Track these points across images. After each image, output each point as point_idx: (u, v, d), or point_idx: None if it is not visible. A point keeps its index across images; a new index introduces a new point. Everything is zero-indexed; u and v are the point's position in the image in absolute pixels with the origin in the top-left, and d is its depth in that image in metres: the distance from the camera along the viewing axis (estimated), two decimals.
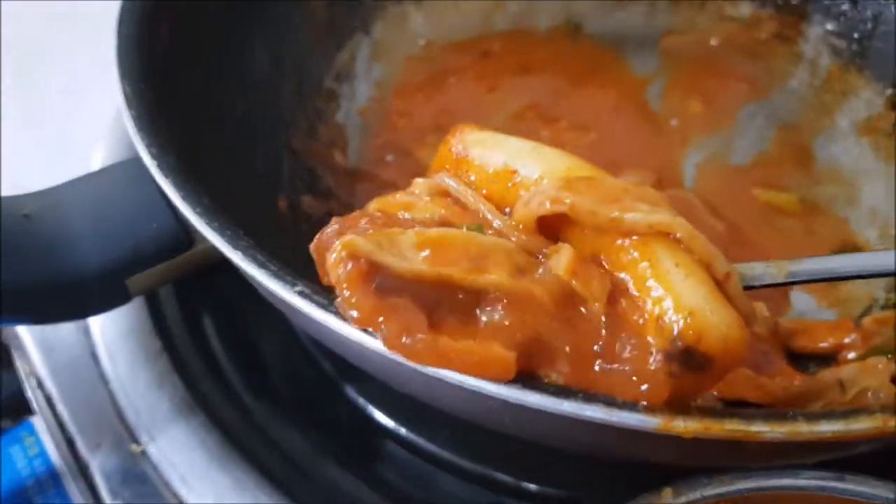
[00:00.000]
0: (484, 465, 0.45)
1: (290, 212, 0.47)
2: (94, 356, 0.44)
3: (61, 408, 0.43)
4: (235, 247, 0.30)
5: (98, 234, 0.35)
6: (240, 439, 0.42)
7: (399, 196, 0.36)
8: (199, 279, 0.50)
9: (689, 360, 0.27)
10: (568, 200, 0.31)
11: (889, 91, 0.57)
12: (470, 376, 0.26)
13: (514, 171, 0.34)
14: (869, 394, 0.30)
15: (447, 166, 0.37)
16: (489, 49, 0.63)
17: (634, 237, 0.30)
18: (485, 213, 0.33)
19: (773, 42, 0.62)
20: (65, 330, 0.46)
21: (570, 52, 0.64)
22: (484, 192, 0.35)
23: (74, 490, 0.40)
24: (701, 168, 0.55)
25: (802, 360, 0.43)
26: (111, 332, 0.45)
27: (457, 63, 0.62)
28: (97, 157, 0.51)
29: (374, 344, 0.27)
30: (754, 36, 0.63)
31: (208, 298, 0.50)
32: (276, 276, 0.29)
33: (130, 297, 0.37)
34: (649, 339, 0.28)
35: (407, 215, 0.34)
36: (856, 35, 0.59)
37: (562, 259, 0.30)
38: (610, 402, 0.26)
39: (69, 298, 0.35)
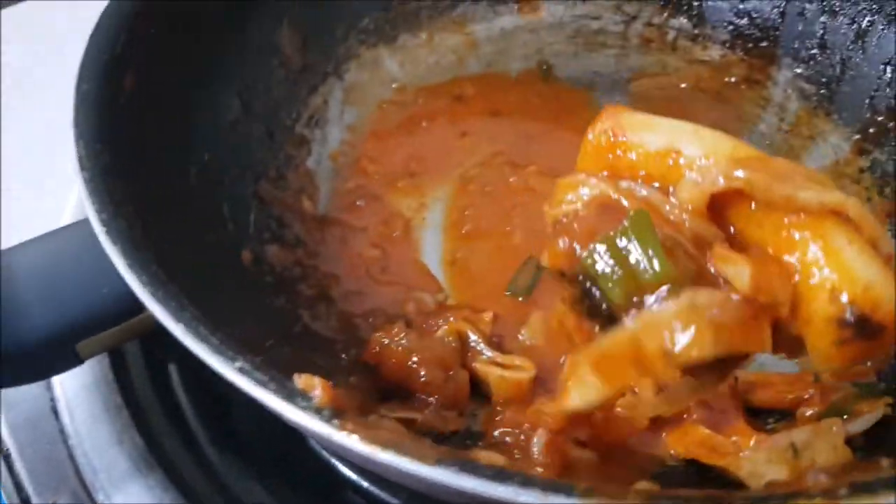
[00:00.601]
0: None
1: (253, 264, 0.47)
2: (55, 411, 0.44)
3: (18, 465, 0.43)
4: (178, 319, 0.30)
5: (48, 299, 0.35)
6: (199, 497, 0.42)
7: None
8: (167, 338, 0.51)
9: (864, 328, 0.31)
10: (744, 175, 0.32)
11: (856, 136, 0.57)
12: (402, 458, 0.26)
13: (678, 151, 0.36)
14: (811, 474, 0.30)
15: (600, 151, 0.39)
16: (462, 93, 0.64)
17: (803, 217, 0.32)
18: (653, 200, 0.35)
19: (742, 86, 0.62)
20: (25, 386, 0.46)
21: (541, 94, 0.64)
22: (643, 173, 0.36)
23: None
24: None
25: (762, 414, 0.43)
26: (73, 387, 0.45)
27: (429, 107, 0.63)
28: (67, 214, 0.51)
29: (306, 420, 0.27)
30: (723, 79, 0.63)
31: (175, 350, 0.50)
32: (217, 350, 0.30)
33: (82, 361, 0.37)
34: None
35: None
36: (824, 80, 0.59)
37: (742, 275, 0.32)
38: (546, 486, 0.26)
39: (18, 364, 0.35)
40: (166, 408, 0.46)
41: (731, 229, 0.35)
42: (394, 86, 0.63)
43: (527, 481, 0.26)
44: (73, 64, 0.42)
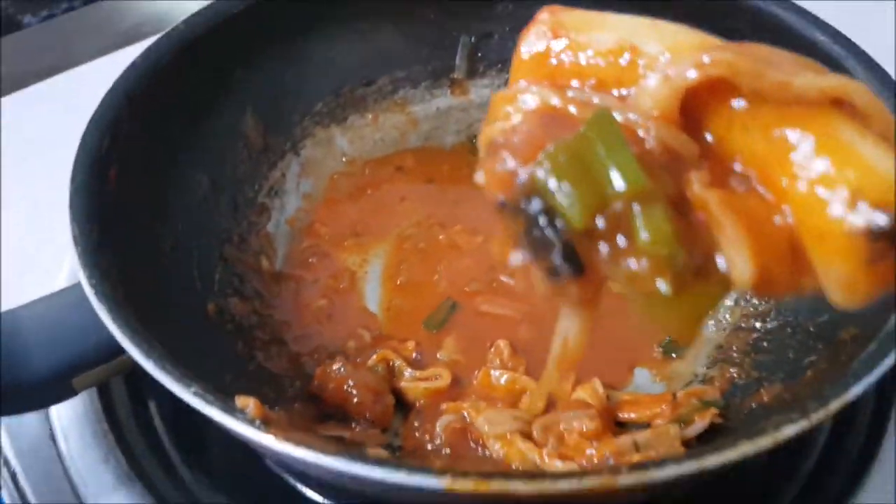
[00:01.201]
0: None
1: (217, 315, 0.57)
2: (53, 438, 0.54)
3: (24, 483, 0.52)
4: (149, 357, 0.41)
5: (47, 345, 0.45)
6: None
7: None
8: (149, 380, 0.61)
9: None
10: (726, 58, 0.26)
11: None
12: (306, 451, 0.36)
13: (634, 48, 0.29)
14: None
15: (538, 60, 0.32)
16: (403, 164, 0.75)
17: (800, 111, 0.26)
18: (609, 108, 0.29)
19: None
20: (28, 417, 0.56)
21: (470, 164, 0.74)
22: (592, 81, 0.30)
23: None
24: None
25: (629, 427, 0.53)
26: (67, 417, 0.55)
27: (375, 176, 0.73)
28: (62, 279, 0.62)
29: (240, 428, 0.37)
30: None
31: (154, 388, 0.60)
32: (178, 380, 0.40)
33: (76, 392, 0.47)
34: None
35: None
36: None
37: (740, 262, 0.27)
38: (413, 469, 0.36)
39: (25, 396, 0.45)
40: (145, 434, 0.56)
41: (709, 138, 0.29)
42: (344, 159, 0.74)
43: (398, 465, 0.36)
44: (65, 153, 0.52)
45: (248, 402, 0.39)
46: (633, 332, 0.60)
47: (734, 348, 0.58)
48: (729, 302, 0.61)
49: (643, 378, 0.57)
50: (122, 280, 0.46)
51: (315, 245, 0.68)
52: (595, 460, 0.46)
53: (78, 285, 0.47)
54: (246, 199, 0.67)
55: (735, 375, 0.55)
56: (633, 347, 0.59)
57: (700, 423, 0.49)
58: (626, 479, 0.36)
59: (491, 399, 0.54)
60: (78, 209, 0.49)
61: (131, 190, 0.55)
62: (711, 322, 0.60)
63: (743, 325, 0.59)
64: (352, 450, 0.36)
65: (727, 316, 0.61)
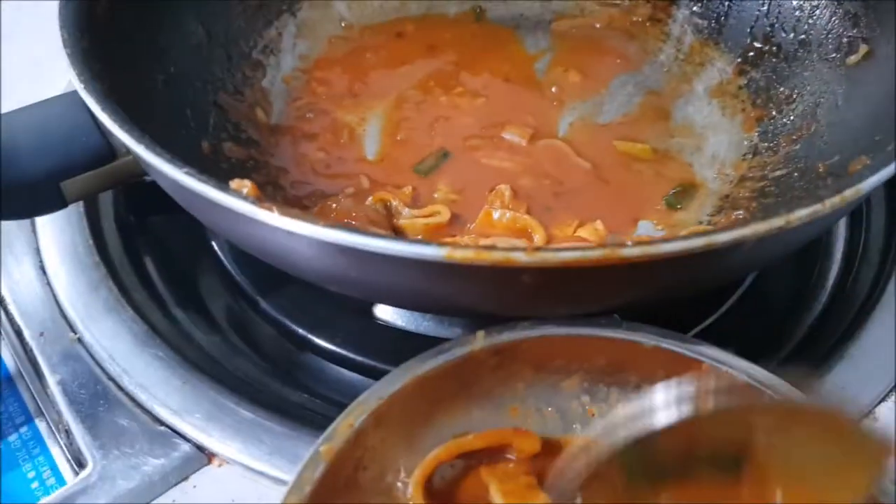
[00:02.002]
0: (373, 359, 0.53)
1: (212, 153, 0.56)
2: (42, 269, 0.53)
3: (13, 308, 0.51)
4: (140, 142, 0.39)
5: (37, 146, 0.44)
6: (163, 333, 0.51)
7: None
8: (139, 219, 0.59)
9: None
10: None
11: (738, 60, 0.66)
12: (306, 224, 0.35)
13: None
14: None
15: None
16: (403, 31, 0.73)
17: None
18: None
19: (647, 23, 0.72)
20: (19, 251, 0.54)
21: (473, 33, 0.73)
22: None
23: (22, 371, 0.48)
24: (572, 125, 0.64)
25: None
26: (56, 250, 0.54)
27: (373, 42, 0.71)
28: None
29: (236, 204, 0.36)
30: (631, 19, 0.73)
31: (148, 236, 0.59)
32: (170, 161, 0.38)
33: (66, 202, 0.46)
34: None
35: None
36: (714, 15, 0.69)
37: None
38: (414, 242, 0.35)
39: (13, 198, 0.44)
40: (137, 272, 0.55)
41: None
42: (342, 24, 0.72)
43: (400, 239, 0.35)
44: None
45: (244, 184, 0.38)
46: (636, 190, 0.59)
47: (740, 195, 0.57)
48: (733, 157, 0.61)
49: (646, 229, 0.56)
50: (113, 88, 0.45)
51: (312, 103, 0.66)
52: None
53: (71, 93, 0.46)
54: (241, 53, 0.65)
55: (740, 216, 0.54)
56: (637, 204, 0.58)
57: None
58: (631, 252, 0.35)
59: (490, 237, 0.53)
60: (67, 19, 0.47)
61: (122, 23, 0.53)
62: (714, 174, 0.60)
63: (750, 175, 0.58)
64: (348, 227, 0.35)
65: (731, 171, 0.60)
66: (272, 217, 0.36)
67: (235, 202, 0.36)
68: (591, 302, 0.40)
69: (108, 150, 0.45)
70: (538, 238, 0.51)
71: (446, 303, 0.40)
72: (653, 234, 0.55)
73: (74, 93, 0.45)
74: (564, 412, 0.42)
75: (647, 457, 0.33)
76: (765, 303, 0.57)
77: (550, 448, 0.41)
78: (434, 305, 0.43)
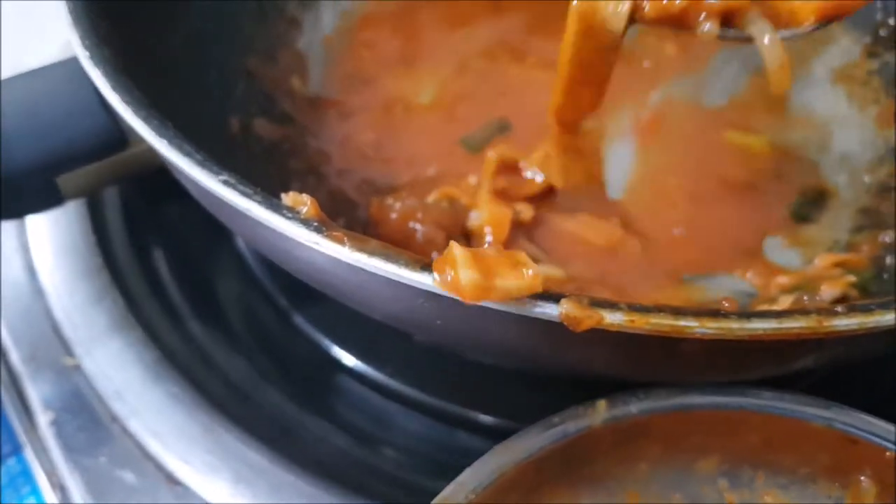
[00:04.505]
0: (433, 396, 0.44)
1: (241, 133, 0.46)
2: (32, 271, 0.43)
3: None
4: (161, 135, 0.29)
5: (28, 129, 0.33)
6: (179, 358, 0.41)
7: None
8: (150, 209, 0.49)
9: None
10: None
11: (867, 39, 0.55)
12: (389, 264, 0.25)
13: None
14: (805, 297, 0.29)
15: None
16: None
17: None
18: None
19: None
20: (5, 246, 0.44)
21: None
22: None
23: (7, 401, 0.39)
24: (673, 107, 0.54)
25: None
26: (51, 249, 0.44)
27: None
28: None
29: (303, 234, 0.26)
30: None
31: (159, 229, 0.49)
32: (201, 164, 0.28)
33: (63, 199, 0.36)
34: None
35: None
36: None
37: None
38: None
39: (3, 192, 0.34)
40: (147, 278, 0.45)
41: None
42: None
43: None
44: None
45: (302, 200, 0.27)
46: (758, 194, 0.49)
47: (883, 210, 0.46)
48: (868, 160, 0.50)
49: (773, 247, 0.46)
50: (123, 52, 0.34)
51: (357, 70, 0.56)
52: None
53: (71, 59, 0.36)
54: (274, 7, 0.54)
55: (888, 241, 0.44)
56: (760, 212, 0.48)
57: (829, 292, 0.38)
58: (846, 324, 0.25)
59: None
60: None
61: None
62: (846, 180, 0.49)
63: (892, 184, 0.48)
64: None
65: (867, 177, 0.49)
66: (342, 252, 0.26)
67: (292, 228, 0.26)
68: (757, 371, 0.30)
69: (118, 135, 0.34)
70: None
71: (565, 367, 0.31)
72: (782, 257, 0.45)
73: (74, 60, 0.35)
74: (696, 500, 0.33)
75: None
76: None
77: None
78: (545, 368, 0.33)
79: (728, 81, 0.56)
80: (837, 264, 0.43)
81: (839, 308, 0.25)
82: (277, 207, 0.27)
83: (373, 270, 0.26)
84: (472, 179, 0.48)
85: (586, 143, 0.51)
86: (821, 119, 0.54)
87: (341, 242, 0.26)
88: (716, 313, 0.24)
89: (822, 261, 0.43)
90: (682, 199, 0.48)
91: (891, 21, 0.55)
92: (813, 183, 0.49)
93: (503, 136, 0.50)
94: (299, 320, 0.47)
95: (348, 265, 0.26)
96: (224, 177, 0.28)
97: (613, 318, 0.24)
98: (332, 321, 0.47)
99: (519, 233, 0.46)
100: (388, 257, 0.26)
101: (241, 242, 0.49)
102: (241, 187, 0.27)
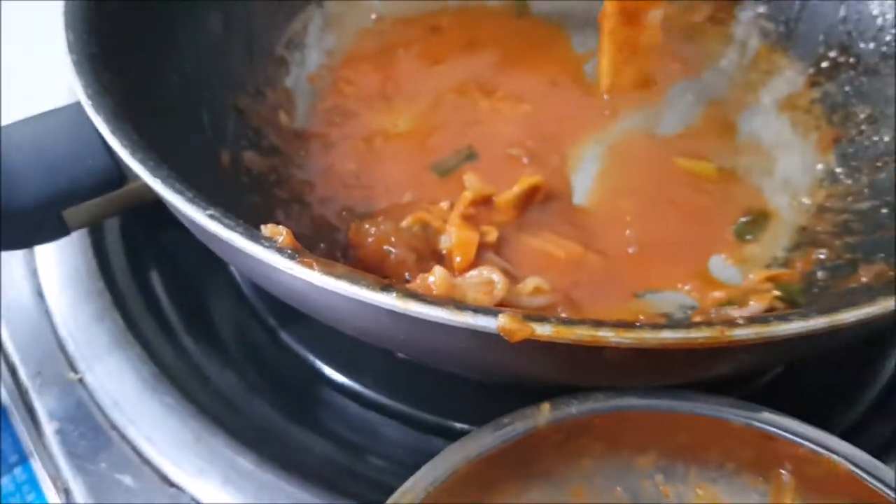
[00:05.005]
0: (410, 406, 0.48)
1: (231, 166, 0.50)
2: (40, 294, 0.47)
3: (6, 340, 0.45)
4: (156, 175, 0.33)
5: (36, 168, 0.38)
6: (174, 373, 0.45)
7: None
8: (147, 237, 0.54)
9: None
10: None
11: (810, 70, 0.60)
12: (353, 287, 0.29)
13: None
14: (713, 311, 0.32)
15: None
16: (438, 25, 0.66)
17: None
18: None
19: (708, 25, 0.65)
20: (16, 273, 0.49)
21: (515, 29, 0.67)
22: None
23: (14, 413, 0.43)
24: (628, 136, 0.58)
25: None
26: (57, 274, 0.48)
27: (406, 37, 0.65)
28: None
29: (279, 261, 0.30)
30: (690, 19, 0.66)
31: (156, 255, 0.53)
32: (191, 201, 0.32)
33: (69, 231, 0.40)
34: None
35: None
36: (783, 18, 0.62)
37: None
38: (459, 307, 0.29)
39: (10, 227, 0.38)
40: (145, 298, 0.49)
41: None
42: (373, 16, 0.65)
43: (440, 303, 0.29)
44: None
45: (278, 231, 0.32)
46: (704, 215, 0.53)
47: (819, 229, 0.51)
48: (807, 183, 0.55)
49: (717, 264, 0.50)
50: (122, 99, 0.39)
51: (339, 105, 0.60)
52: None
53: (75, 104, 0.40)
54: (262, 48, 0.59)
55: (822, 257, 0.48)
56: (706, 232, 0.52)
57: (757, 305, 0.42)
58: (745, 334, 0.29)
59: None
60: (73, 16, 0.41)
61: (135, 15, 0.47)
62: (787, 202, 0.54)
63: (829, 205, 0.52)
64: (404, 289, 0.29)
65: (806, 199, 0.54)
66: (312, 276, 0.30)
67: (269, 255, 0.30)
68: (678, 376, 0.34)
69: (118, 173, 0.39)
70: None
71: (510, 374, 0.35)
72: (723, 273, 0.49)
73: (78, 105, 0.40)
74: (635, 493, 0.37)
75: None
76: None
77: None
78: (493, 375, 0.37)
79: (683, 112, 0.60)
80: (769, 279, 0.47)
81: (740, 320, 0.29)
82: (257, 238, 0.31)
83: (340, 292, 0.30)
84: (444, 204, 0.52)
85: (645, 38, 0.54)
86: (767, 146, 0.58)
87: (311, 268, 0.30)
88: (630, 325, 0.28)
89: (757, 276, 0.47)
90: (635, 220, 0.52)
91: (832, 53, 0.59)
92: (756, 205, 0.54)
93: (470, 163, 0.54)
94: (286, 337, 0.51)
95: (319, 287, 0.30)
96: (211, 211, 0.32)
97: (543, 330, 0.28)
98: (316, 338, 0.50)
99: (487, 251, 0.50)
100: (352, 280, 0.30)
101: (232, 267, 0.53)
102: (226, 220, 0.32)
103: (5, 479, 0.46)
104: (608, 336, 0.28)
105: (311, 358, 0.50)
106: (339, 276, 0.30)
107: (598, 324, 0.28)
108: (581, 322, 0.28)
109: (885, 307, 0.30)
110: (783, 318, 0.29)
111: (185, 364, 0.46)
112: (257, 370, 0.49)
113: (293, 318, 0.51)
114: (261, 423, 0.46)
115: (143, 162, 0.34)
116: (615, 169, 0.56)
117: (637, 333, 0.28)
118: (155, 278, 0.50)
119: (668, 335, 0.28)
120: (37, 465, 0.46)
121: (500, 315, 0.28)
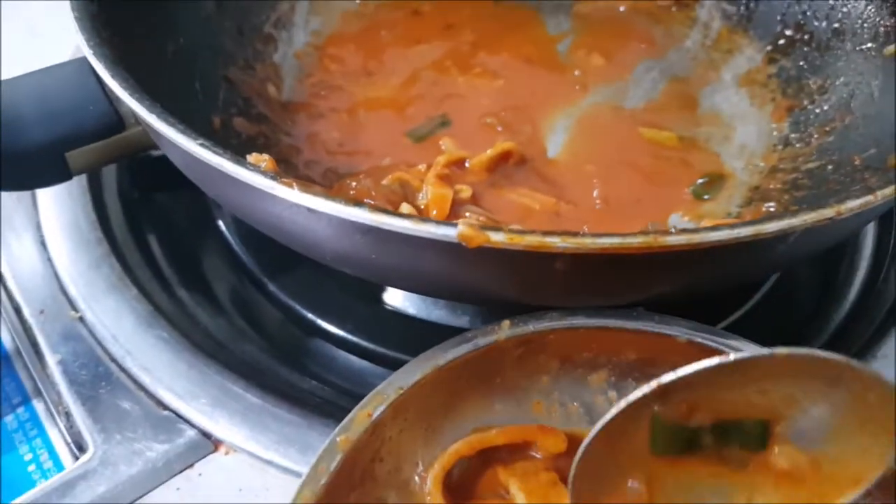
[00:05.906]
0: (391, 350, 0.51)
1: (222, 129, 0.54)
2: (43, 244, 0.51)
3: (12, 285, 0.49)
4: (151, 111, 0.37)
5: (41, 113, 0.41)
6: (167, 313, 0.48)
7: None
8: (143, 197, 0.57)
9: None
10: None
11: (768, 48, 0.64)
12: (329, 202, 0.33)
13: None
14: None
15: None
16: (419, 9, 0.70)
17: None
18: None
19: (673, 7, 0.70)
20: (19, 226, 0.52)
21: (492, 13, 0.71)
22: None
23: (21, 349, 0.46)
24: (596, 109, 0.62)
25: None
26: (58, 226, 0.52)
27: (388, 19, 0.69)
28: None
29: (253, 178, 0.34)
30: (657, 2, 0.70)
31: (150, 211, 0.57)
32: (183, 132, 0.36)
33: (71, 174, 0.43)
34: None
35: None
36: (743, 1, 0.66)
37: None
38: (423, 219, 0.32)
39: (14, 167, 0.41)
40: (141, 250, 0.53)
41: None
42: (357, 1, 0.70)
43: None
44: None
45: (262, 158, 0.35)
46: (663, 178, 0.57)
47: (771, 187, 0.54)
48: (762, 148, 0.58)
49: (675, 220, 0.54)
50: (122, 55, 0.42)
51: (325, 79, 0.64)
52: None
53: (78, 59, 0.44)
54: (251, 26, 0.63)
55: (772, 209, 0.52)
56: (664, 193, 0.56)
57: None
58: (676, 240, 0.32)
59: None
60: None
61: None
62: (743, 165, 0.57)
63: (781, 166, 0.56)
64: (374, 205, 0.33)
65: (760, 161, 0.57)
66: (292, 194, 0.33)
67: (253, 177, 0.34)
68: (623, 293, 0.38)
69: (117, 119, 0.42)
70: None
71: (471, 289, 0.38)
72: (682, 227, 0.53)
73: (81, 60, 0.43)
74: (590, 407, 0.40)
75: (672, 428, 0.34)
76: (791, 301, 0.55)
77: (574, 444, 0.39)
78: (457, 292, 0.41)
79: (648, 88, 0.64)
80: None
81: (672, 229, 0.32)
82: (242, 162, 0.35)
83: (317, 209, 0.33)
84: (422, 167, 0.56)
85: None
86: (726, 117, 0.62)
87: (291, 186, 0.33)
88: (574, 233, 0.32)
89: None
90: (601, 182, 0.55)
91: (788, 32, 0.63)
92: (714, 169, 0.57)
93: (445, 130, 0.58)
94: (274, 289, 0.54)
95: (297, 207, 0.34)
96: (201, 140, 0.35)
97: (497, 238, 0.32)
98: (303, 289, 0.54)
99: (465, 204, 0.53)
100: (328, 197, 0.33)
101: (222, 223, 0.56)
102: (215, 148, 0.35)
103: (9, 418, 0.50)
104: (555, 242, 0.32)
105: (298, 307, 0.53)
106: (316, 194, 0.33)
107: (546, 233, 0.32)
108: (531, 231, 0.32)
109: (804, 220, 0.33)
110: (712, 228, 0.33)
111: (178, 310, 0.50)
112: (246, 318, 0.53)
113: (281, 270, 0.54)
114: (251, 363, 0.49)
115: (139, 101, 0.37)
116: (583, 138, 0.60)
117: (580, 240, 0.32)
118: (150, 232, 0.54)
119: (607, 241, 0.32)
120: (39, 407, 0.49)
121: (459, 223, 0.32)
